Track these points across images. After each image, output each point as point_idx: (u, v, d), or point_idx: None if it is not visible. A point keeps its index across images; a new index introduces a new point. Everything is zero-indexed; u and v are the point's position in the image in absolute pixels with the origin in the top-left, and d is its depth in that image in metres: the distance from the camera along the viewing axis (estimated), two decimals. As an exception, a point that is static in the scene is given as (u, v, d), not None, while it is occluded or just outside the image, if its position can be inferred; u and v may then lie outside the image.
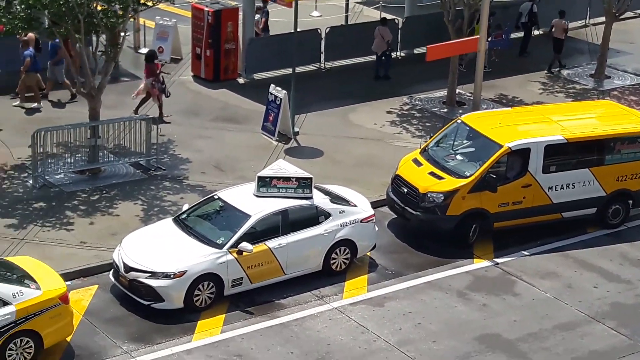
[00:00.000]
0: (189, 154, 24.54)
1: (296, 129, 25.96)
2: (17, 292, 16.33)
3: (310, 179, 19.64)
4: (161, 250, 18.63)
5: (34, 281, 16.81)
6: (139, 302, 18.28)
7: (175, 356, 17.24)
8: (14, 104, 26.48)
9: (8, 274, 16.77)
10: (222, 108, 27.41)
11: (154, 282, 18.08)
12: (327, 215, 19.62)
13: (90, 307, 18.40)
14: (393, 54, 30.71)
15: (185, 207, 19.93)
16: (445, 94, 28.46)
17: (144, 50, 30.79)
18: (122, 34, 22.92)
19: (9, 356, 16.31)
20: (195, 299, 18.34)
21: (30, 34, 26.09)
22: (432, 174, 21.14)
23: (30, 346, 16.46)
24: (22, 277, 16.82)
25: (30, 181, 22.48)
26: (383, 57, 29.96)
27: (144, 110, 26.18)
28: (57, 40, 25.04)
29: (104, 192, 22.43)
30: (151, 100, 26.32)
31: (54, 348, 16.91)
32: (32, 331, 16.41)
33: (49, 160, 22.72)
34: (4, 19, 21.09)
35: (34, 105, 26.48)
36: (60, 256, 19.47)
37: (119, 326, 17.94)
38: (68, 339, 17.22)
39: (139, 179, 23.18)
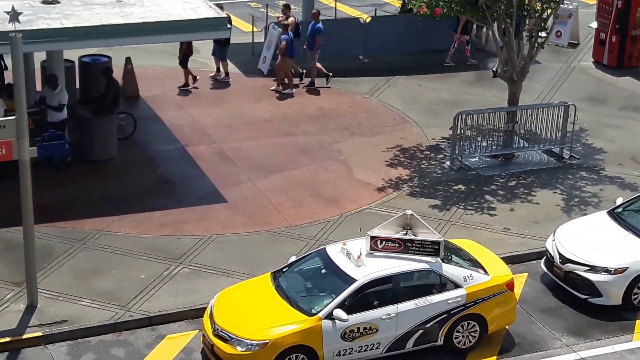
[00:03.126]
0: (601, 144, 23.79)
1: None
2: (467, 276, 16.40)
3: None
4: (599, 243, 18.08)
5: (481, 266, 16.84)
6: (574, 295, 17.89)
7: (618, 354, 16.68)
8: (271, 87, 26.17)
9: (457, 257, 16.89)
10: (628, 97, 26.39)
11: (592, 276, 17.59)
12: None
13: (523, 295, 18.20)
14: None
15: (619, 200, 19.25)
16: None
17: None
18: (551, 18, 22.49)
19: (455, 338, 16.45)
20: (634, 296, 17.67)
21: (292, 19, 26.10)
22: None
23: (476, 330, 16.50)
24: (470, 261, 16.89)
25: (448, 162, 22.66)
26: None
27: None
28: (318, 26, 25.29)
29: (521, 178, 22.19)
30: None
31: (496, 334, 16.85)
32: (478, 315, 16.42)
33: (463, 143, 22.79)
34: (442, 1, 21.20)
35: (287, 90, 25.98)
36: (487, 241, 19.35)
37: (555, 317, 17.61)
38: (507, 327, 17.15)
39: (553, 166, 22.74)
